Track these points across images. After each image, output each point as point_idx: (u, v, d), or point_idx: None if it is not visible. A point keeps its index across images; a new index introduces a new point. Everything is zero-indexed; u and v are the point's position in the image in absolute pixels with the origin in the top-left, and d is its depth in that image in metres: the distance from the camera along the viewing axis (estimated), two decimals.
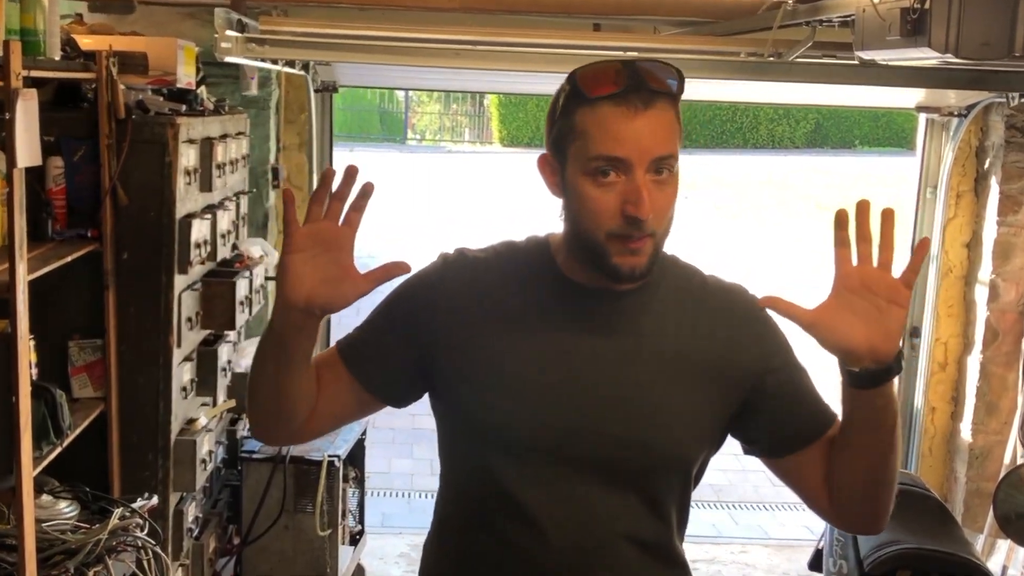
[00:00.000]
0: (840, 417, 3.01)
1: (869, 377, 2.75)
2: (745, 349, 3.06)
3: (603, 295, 3.02)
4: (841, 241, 2.68)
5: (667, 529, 3.14)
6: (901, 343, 2.68)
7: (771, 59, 7.05)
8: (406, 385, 3.14)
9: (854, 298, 2.70)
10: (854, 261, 2.66)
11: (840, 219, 2.71)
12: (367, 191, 2.74)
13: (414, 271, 3.10)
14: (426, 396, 3.23)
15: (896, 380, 2.78)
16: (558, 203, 3.02)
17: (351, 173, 2.70)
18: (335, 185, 2.80)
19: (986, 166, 9.09)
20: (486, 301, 3.06)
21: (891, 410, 2.82)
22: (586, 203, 2.87)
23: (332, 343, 3.19)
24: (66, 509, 5.35)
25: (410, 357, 3.08)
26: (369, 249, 21.54)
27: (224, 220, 6.57)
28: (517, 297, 3.07)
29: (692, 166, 29.93)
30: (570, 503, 2.99)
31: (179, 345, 6.03)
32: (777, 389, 3.08)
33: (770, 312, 2.98)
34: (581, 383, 2.98)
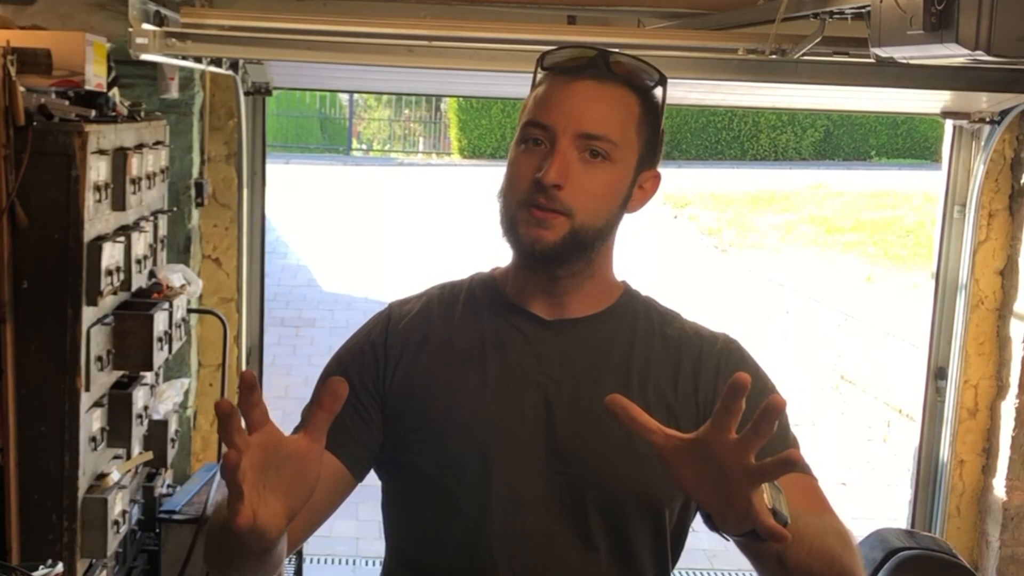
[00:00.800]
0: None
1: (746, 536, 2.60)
2: (709, 393, 3.11)
3: (561, 325, 3.14)
4: (730, 410, 2.45)
5: None
6: (774, 509, 2.53)
7: (773, 57, 7.05)
8: (374, 454, 3.19)
9: (709, 459, 2.51)
10: (732, 432, 2.46)
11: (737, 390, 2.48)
12: (250, 383, 2.44)
13: (353, 334, 3.28)
14: None
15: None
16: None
17: (250, 384, 2.44)
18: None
19: (1023, 181, 9.10)
20: (433, 344, 3.16)
21: (780, 553, 2.69)
22: (508, 171, 3.09)
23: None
24: None
25: (379, 418, 3.15)
26: (309, 277, 21.68)
27: (140, 243, 6.56)
28: (468, 334, 3.17)
29: (681, 181, 30.05)
30: (534, 559, 3.04)
31: (87, 388, 5.99)
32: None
33: (756, 366, 3.18)
34: (540, 420, 3.05)
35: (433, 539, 3.12)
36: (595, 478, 3.03)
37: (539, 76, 3.13)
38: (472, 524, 3.04)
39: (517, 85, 9.13)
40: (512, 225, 3.02)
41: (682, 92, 8.76)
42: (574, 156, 2.95)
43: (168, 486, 7.78)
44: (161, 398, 7.25)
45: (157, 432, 7.23)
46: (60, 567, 5.79)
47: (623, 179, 3.05)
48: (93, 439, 6.14)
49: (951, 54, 4.96)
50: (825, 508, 3.03)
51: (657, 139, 3.14)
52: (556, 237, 2.95)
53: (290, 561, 8.11)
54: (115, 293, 6.24)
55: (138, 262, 6.51)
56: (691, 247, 26.03)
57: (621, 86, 3.04)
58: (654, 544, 3.14)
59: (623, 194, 3.08)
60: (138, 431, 6.68)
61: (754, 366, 3.22)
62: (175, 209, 8.21)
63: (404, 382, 3.12)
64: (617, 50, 3.08)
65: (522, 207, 2.98)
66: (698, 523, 3.12)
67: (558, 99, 3.01)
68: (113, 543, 6.30)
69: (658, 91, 3.12)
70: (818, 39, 6.78)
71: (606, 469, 3.03)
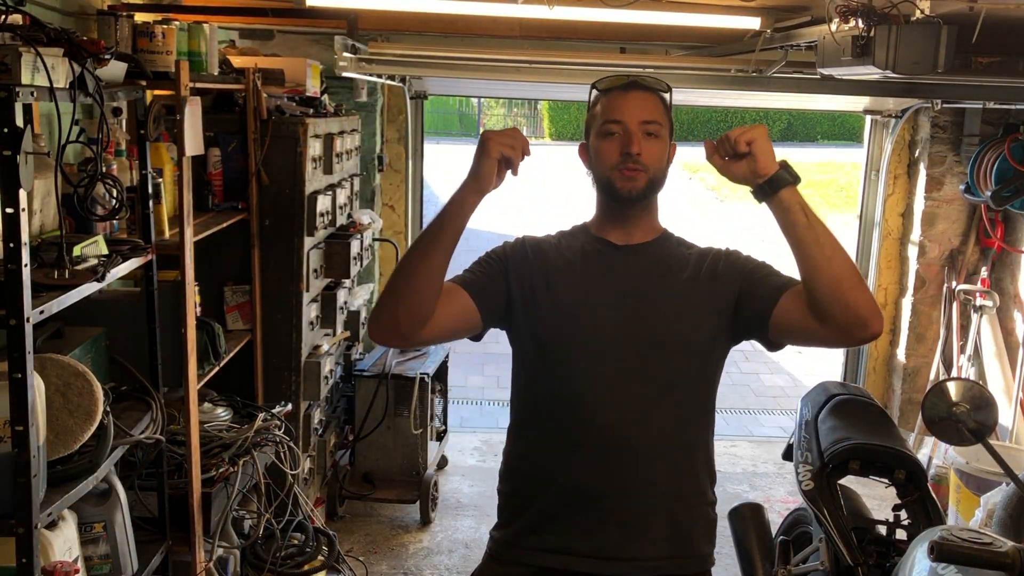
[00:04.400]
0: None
1: (761, 190, 3.02)
2: (726, 272, 3.26)
3: (627, 249, 3.31)
4: (713, 149, 3.11)
5: (686, 417, 3.27)
6: (776, 167, 3.01)
7: (754, 74, 7.04)
8: (498, 313, 3.27)
9: (728, 158, 3.08)
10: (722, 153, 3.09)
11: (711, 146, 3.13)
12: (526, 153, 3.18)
13: (500, 244, 3.41)
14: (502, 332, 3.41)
15: (789, 194, 3.01)
16: (586, 180, 3.42)
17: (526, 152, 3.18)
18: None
19: (916, 155, 9.05)
20: (549, 259, 3.31)
21: (797, 212, 2.99)
22: (599, 153, 3.27)
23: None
24: (222, 414, 5.38)
25: (504, 292, 3.27)
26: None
27: (341, 195, 6.58)
28: (568, 254, 3.33)
29: (693, 156, 29.91)
30: (611, 392, 3.16)
31: (307, 290, 6.04)
32: (753, 274, 3.25)
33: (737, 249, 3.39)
34: (615, 304, 3.20)
35: (545, 382, 3.24)
36: (651, 338, 3.17)
37: (595, 95, 3.36)
38: (567, 371, 3.18)
39: (587, 92, 9.04)
40: (609, 183, 3.23)
41: (695, 96, 8.80)
42: (641, 136, 3.17)
43: (360, 353, 7.79)
44: (355, 296, 7.24)
45: (352, 319, 7.25)
46: (289, 406, 5.83)
47: (666, 147, 3.28)
48: (311, 323, 6.18)
49: (870, 72, 4.99)
50: None
51: (672, 124, 3.33)
52: (642, 184, 3.21)
53: (439, 402, 8.10)
54: (325, 228, 6.24)
55: (340, 208, 6.51)
56: (700, 198, 25.89)
57: (651, 93, 3.27)
58: (695, 387, 3.27)
59: (667, 156, 3.29)
60: (340, 318, 6.73)
61: (739, 251, 3.38)
62: (364, 173, 8.25)
63: (529, 278, 3.27)
64: (638, 73, 3.29)
65: (614, 170, 3.20)
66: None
67: (622, 104, 3.23)
68: (324, 391, 6.35)
69: (667, 95, 3.33)
70: (783, 62, 6.73)
71: (659, 332, 3.18)
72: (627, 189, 3.20)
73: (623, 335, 3.16)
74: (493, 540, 3.42)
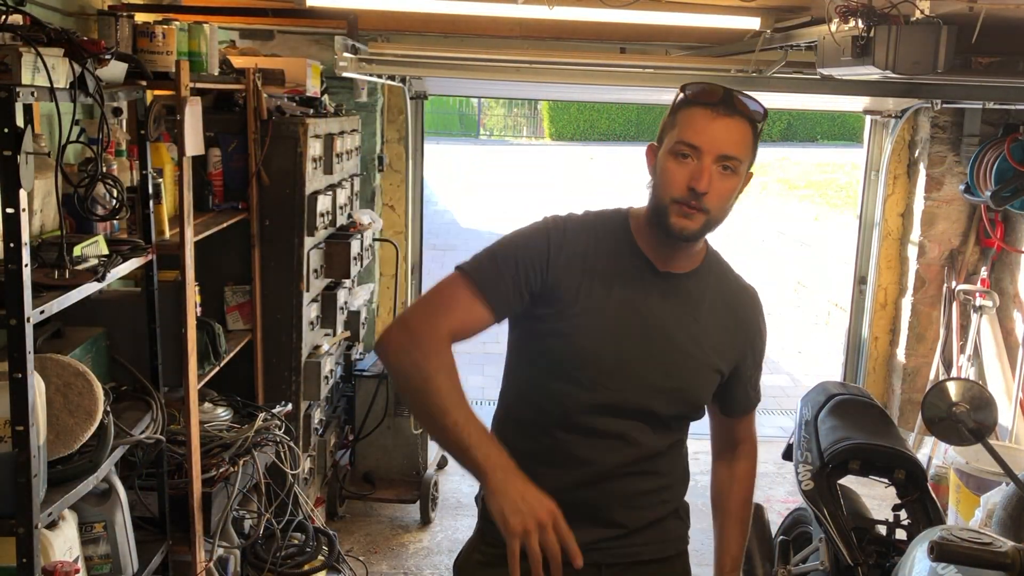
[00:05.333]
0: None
1: None
2: (743, 337, 3.27)
3: (669, 276, 3.13)
4: None
5: (678, 444, 3.31)
6: None
7: (754, 74, 7.05)
8: (515, 310, 3.11)
9: None
10: None
11: None
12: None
13: (526, 226, 3.21)
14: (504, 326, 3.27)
15: None
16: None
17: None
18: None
19: (916, 155, 9.06)
20: (580, 262, 3.10)
21: None
22: (664, 174, 2.99)
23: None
24: (222, 414, 5.38)
25: (523, 292, 3.06)
26: (452, 218, 21.53)
27: (342, 196, 6.59)
28: (604, 264, 3.11)
29: None
30: (616, 419, 3.09)
31: (308, 290, 6.05)
32: (744, 372, 3.35)
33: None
34: (639, 341, 3.08)
35: (546, 399, 3.13)
36: (666, 389, 3.10)
37: (679, 99, 3.08)
38: (572, 397, 3.08)
39: (589, 92, 9.14)
40: (663, 213, 2.99)
41: None
42: (715, 171, 2.93)
43: (360, 353, 7.80)
44: (356, 296, 7.25)
45: (353, 319, 7.26)
46: (289, 406, 5.84)
47: (738, 185, 3.03)
48: (311, 323, 6.18)
49: (870, 72, 5.00)
50: (750, 437, 3.65)
51: (755, 154, 3.11)
52: (696, 226, 2.97)
53: None
54: (326, 228, 6.25)
55: (340, 208, 6.53)
56: None
57: (743, 120, 3.01)
58: (695, 414, 3.28)
59: (736, 193, 3.06)
60: (340, 318, 6.74)
61: (763, 316, 3.38)
62: (364, 173, 8.25)
63: (555, 280, 3.06)
64: (737, 90, 3.09)
65: (675, 203, 2.95)
66: None
67: (703, 128, 2.96)
68: (324, 391, 6.36)
69: (760, 123, 3.10)
70: (783, 63, 6.75)
71: (675, 384, 3.11)
72: (679, 228, 2.98)
73: (640, 370, 3.08)
74: (481, 512, 3.37)
